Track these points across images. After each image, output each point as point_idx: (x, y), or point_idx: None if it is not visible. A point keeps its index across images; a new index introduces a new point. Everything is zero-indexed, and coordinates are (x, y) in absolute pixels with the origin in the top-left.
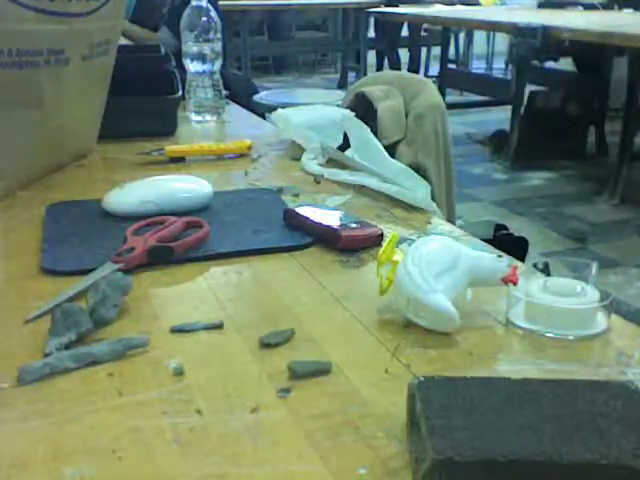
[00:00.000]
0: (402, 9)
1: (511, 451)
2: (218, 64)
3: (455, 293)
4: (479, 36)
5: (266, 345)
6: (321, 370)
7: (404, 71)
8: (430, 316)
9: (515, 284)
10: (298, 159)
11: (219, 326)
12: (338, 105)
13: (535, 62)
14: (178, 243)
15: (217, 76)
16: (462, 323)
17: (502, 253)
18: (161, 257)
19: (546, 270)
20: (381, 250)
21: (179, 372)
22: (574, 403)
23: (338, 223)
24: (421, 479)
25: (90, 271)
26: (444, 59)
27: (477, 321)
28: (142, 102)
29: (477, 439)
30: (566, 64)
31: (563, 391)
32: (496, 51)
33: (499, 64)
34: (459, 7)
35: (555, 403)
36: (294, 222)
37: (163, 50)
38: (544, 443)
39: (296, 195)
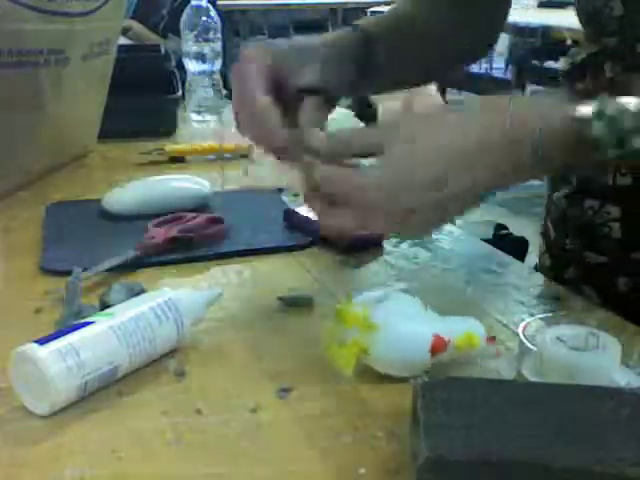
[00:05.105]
0: None
1: (504, 452)
2: (218, 64)
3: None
4: None
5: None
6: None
7: None
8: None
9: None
10: None
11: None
12: (338, 105)
13: (535, 62)
14: (197, 234)
15: (217, 76)
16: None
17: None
18: (180, 246)
19: None
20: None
21: (179, 372)
22: (579, 408)
23: None
24: (415, 475)
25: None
26: None
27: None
28: (142, 102)
29: (473, 439)
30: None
31: (570, 396)
32: (496, 51)
33: (499, 64)
34: None
35: (559, 407)
36: (294, 222)
37: (163, 50)
38: (540, 446)
39: (296, 195)
